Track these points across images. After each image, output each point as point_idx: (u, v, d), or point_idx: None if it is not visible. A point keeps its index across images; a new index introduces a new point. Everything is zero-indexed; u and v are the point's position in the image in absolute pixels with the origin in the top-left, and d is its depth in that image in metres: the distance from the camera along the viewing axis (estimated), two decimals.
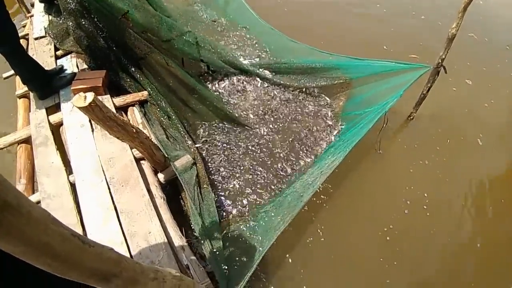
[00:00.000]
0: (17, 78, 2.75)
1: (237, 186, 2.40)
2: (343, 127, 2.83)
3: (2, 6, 1.93)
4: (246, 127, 2.72)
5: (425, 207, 2.42)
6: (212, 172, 2.46)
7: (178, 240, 1.86)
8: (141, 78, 2.53)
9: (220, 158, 2.54)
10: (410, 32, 4.06)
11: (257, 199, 2.34)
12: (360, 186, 2.52)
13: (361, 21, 4.25)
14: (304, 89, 3.07)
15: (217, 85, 2.99)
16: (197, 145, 2.54)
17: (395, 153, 2.76)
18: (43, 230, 0.47)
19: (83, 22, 2.31)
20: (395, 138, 2.87)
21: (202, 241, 1.94)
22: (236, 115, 2.75)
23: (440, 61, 2.54)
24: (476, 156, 2.77)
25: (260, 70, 3.11)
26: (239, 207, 2.30)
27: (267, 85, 3.06)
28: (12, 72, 2.81)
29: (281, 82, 3.06)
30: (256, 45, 3.47)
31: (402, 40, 3.93)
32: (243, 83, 3.03)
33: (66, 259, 0.51)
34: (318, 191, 2.31)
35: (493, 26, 4.20)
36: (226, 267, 1.91)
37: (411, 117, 2.95)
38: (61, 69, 2.56)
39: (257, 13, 3.35)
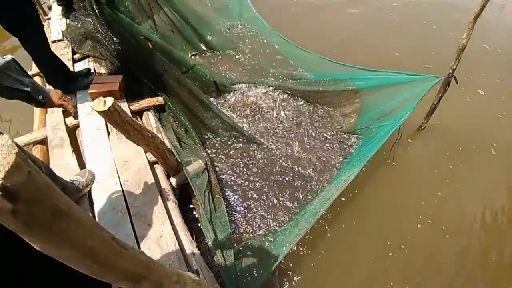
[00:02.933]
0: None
1: (254, 205, 2.39)
2: (358, 142, 2.83)
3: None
4: (259, 144, 2.74)
5: (439, 220, 2.38)
6: (227, 189, 2.46)
7: (189, 244, 1.87)
8: (158, 92, 2.60)
9: (236, 175, 2.54)
10: (422, 41, 4.08)
11: (275, 219, 2.32)
12: (372, 200, 2.49)
13: (373, 30, 4.29)
14: (317, 106, 3.09)
15: (228, 101, 3.05)
16: (208, 152, 2.58)
17: (408, 164, 2.75)
18: (89, 234, 0.50)
19: (101, 38, 2.41)
20: (407, 149, 2.86)
21: (213, 248, 1.96)
22: (249, 131, 2.78)
23: (451, 72, 2.55)
24: (489, 166, 2.75)
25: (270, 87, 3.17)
26: (256, 227, 2.29)
27: (279, 102, 3.09)
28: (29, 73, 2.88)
29: (292, 91, 3.11)
30: (270, 54, 3.52)
31: (414, 49, 3.95)
32: (255, 101, 3.07)
33: (105, 262, 0.54)
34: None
35: (506, 38, 4.19)
36: (237, 276, 1.92)
37: (422, 128, 2.94)
38: (88, 72, 2.62)
39: (273, 20, 3.39)
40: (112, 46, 2.46)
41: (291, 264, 2.14)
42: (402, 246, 2.24)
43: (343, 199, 2.44)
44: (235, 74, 3.26)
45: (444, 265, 2.18)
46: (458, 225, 2.37)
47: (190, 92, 2.63)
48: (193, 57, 3.30)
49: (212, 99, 2.98)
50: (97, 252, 0.52)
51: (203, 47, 3.44)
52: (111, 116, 1.58)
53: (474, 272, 2.16)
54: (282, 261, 2.09)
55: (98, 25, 2.39)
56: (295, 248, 2.18)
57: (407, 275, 2.12)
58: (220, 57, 3.40)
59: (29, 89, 1.31)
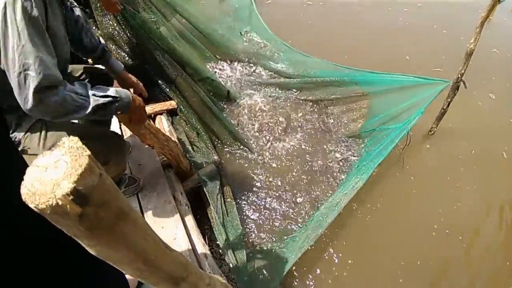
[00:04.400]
0: None
1: (264, 211, 2.37)
2: (365, 145, 2.81)
3: None
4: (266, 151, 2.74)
5: (455, 229, 2.32)
6: (237, 194, 2.45)
7: (202, 247, 1.87)
8: (171, 94, 2.62)
9: (246, 182, 2.53)
10: (433, 46, 4.10)
11: (284, 226, 2.29)
12: (382, 208, 2.44)
13: (383, 34, 4.32)
14: (325, 112, 3.10)
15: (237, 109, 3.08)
16: (220, 156, 2.59)
17: (418, 169, 2.72)
18: (144, 235, 0.50)
19: (118, 39, 2.43)
20: (417, 154, 2.84)
21: (225, 250, 1.96)
22: (254, 143, 2.79)
23: (459, 76, 2.56)
24: (502, 169, 2.75)
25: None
26: (267, 232, 2.27)
27: (288, 109, 3.10)
28: None
29: (297, 97, 3.12)
30: (275, 58, 3.54)
31: (425, 53, 3.97)
32: (264, 109, 3.09)
33: (153, 263, 0.55)
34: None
35: None
36: (249, 279, 1.93)
37: (432, 132, 2.94)
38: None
39: (282, 24, 3.39)
40: (128, 48, 2.48)
41: (301, 271, 2.10)
42: (418, 263, 2.14)
43: (349, 208, 2.37)
44: (244, 81, 3.29)
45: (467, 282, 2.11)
46: (475, 231, 2.34)
47: (202, 100, 2.64)
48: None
49: (223, 105, 3.01)
50: (149, 253, 0.53)
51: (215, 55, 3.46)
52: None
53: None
54: (291, 270, 2.05)
55: (115, 25, 2.41)
56: (304, 256, 2.10)
57: None
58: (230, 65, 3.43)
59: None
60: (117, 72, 1.75)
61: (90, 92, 1.16)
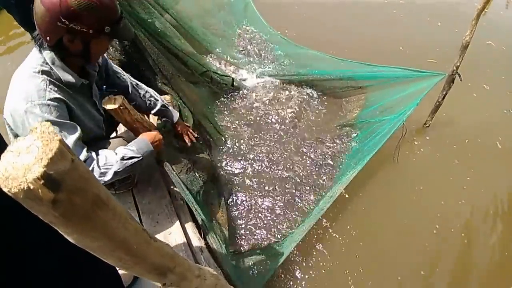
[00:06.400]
0: None
1: (261, 208, 2.34)
2: (360, 136, 2.81)
3: None
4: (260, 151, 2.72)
5: (453, 225, 2.32)
6: (234, 193, 2.43)
7: (197, 241, 1.87)
8: (166, 90, 2.60)
9: (241, 179, 2.52)
10: (427, 37, 4.09)
11: (281, 221, 2.27)
12: (377, 202, 2.43)
13: (378, 25, 4.30)
14: (320, 102, 3.10)
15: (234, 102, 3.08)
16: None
17: (413, 162, 2.72)
18: (123, 224, 0.49)
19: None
20: (412, 146, 2.83)
21: (218, 243, 1.95)
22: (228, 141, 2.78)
23: (455, 68, 2.55)
24: (496, 160, 2.76)
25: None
26: (263, 229, 2.25)
27: (283, 101, 3.10)
28: None
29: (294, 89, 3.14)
30: (272, 53, 3.53)
31: (419, 44, 3.95)
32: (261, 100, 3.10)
33: (135, 254, 0.54)
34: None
35: (511, 35, 4.21)
36: (242, 270, 1.93)
37: (427, 125, 2.93)
38: None
39: (275, 18, 3.37)
40: (124, 44, 2.44)
41: (294, 262, 2.10)
42: (422, 272, 2.09)
43: (338, 206, 2.35)
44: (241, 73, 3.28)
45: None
46: (470, 224, 2.32)
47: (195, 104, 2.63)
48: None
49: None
50: (130, 243, 0.52)
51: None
52: (121, 114, 1.58)
53: None
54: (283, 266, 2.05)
55: None
56: (297, 248, 2.11)
57: None
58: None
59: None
60: (173, 122, 1.99)
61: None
